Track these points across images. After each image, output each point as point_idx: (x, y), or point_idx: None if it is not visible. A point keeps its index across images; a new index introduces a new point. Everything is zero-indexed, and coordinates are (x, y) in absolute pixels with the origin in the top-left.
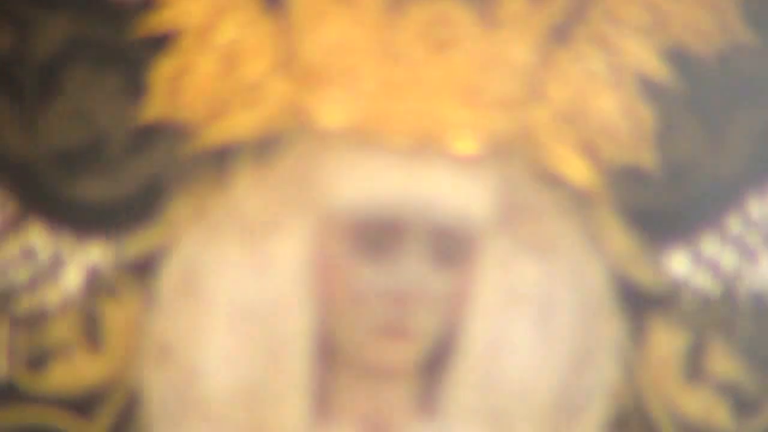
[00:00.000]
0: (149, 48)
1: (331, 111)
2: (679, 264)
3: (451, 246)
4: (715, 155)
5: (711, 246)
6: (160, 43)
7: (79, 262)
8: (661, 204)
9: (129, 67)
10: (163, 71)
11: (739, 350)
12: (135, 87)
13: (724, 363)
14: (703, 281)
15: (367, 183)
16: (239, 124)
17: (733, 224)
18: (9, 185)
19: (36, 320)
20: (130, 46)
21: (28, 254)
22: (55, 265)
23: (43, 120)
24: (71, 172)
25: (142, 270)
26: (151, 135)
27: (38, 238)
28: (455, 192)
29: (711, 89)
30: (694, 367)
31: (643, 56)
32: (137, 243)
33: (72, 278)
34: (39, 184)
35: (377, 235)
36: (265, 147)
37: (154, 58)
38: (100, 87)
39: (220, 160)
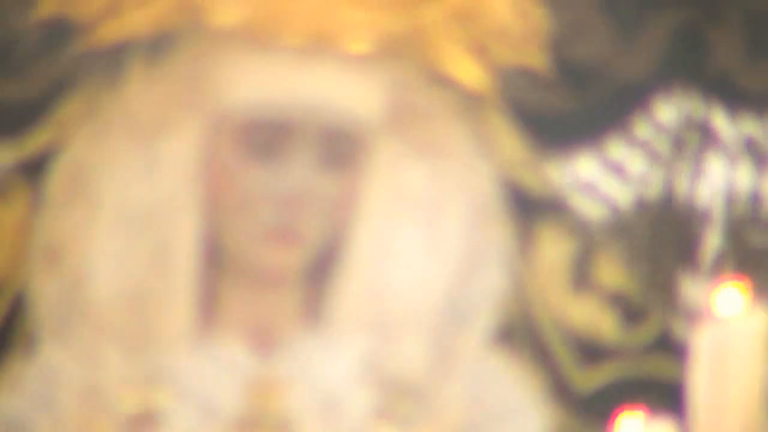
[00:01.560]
0: None
1: (224, 9)
2: (583, 168)
3: (340, 148)
4: (623, 58)
5: (617, 150)
6: None
7: None
8: (559, 107)
9: None
10: None
11: (631, 259)
12: None
13: (611, 272)
14: (607, 186)
15: (259, 83)
16: (131, 21)
17: (640, 128)
18: None
19: None
20: None
21: None
22: None
23: None
24: None
25: (31, 171)
26: (45, 33)
27: None
28: (345, 92)
29: None
30: (582, 276)
31: None
32: (26, 143)
33: None
34: None
35: (267, 136)
36: (157, 45)
37: None
38: None
39: (112, 59)
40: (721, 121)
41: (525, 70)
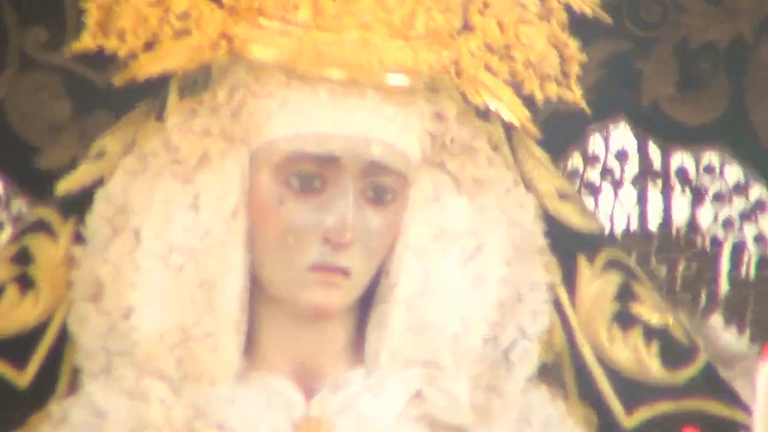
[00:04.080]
0: None
1: (264, 42)
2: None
3: (384, 182)
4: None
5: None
6: None
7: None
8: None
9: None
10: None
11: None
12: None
13: (654, 308)
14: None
15: (300, 116)
16: (170, 54)
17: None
18: None
19: None
20: None
21: None
22: None
23: None
24: None
25: (75, 206)
26: (84, 65)
27: None
28: (388, 126)
29: None
30: (624, 312)
31: None
32: (69, 178)
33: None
34: None
35: (310, 170)
36: (197, 78)
37: None
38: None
39: (152, 92)
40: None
41: (562, 103)
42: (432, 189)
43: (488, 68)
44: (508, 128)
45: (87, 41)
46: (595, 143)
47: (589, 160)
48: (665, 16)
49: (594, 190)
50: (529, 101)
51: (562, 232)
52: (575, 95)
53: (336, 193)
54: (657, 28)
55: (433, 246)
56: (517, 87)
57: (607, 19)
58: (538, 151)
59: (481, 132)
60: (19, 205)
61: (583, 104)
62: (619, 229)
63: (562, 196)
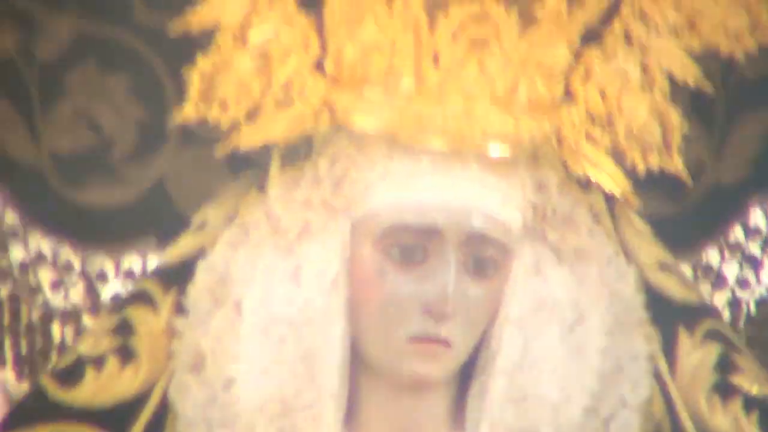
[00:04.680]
0: (183, 46)
1: (366, 112)
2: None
3: (484, 252)
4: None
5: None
6: (194, 41)
7: (108, 269)
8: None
9: (138, 67)
10: (199, 69)
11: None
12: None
13: (754, 378)
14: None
15: (402, 187)
16: (271, 124)
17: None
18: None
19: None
20: (138, 46)
21: (39, 261)
22: (67, 271)
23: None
24: (78, 178)
25: (177, 277)
26: (186, 135)
27: (46, 245)
28: (488, 196)
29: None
30: (724, 382)
31: (674, 57)
32: (171, 249)
33: (108, 287)
34: (45, 191)
35: (411, 241)
36: (297, 149)
37: (188, 56)
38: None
39: (254, 163)
40: None
41: (663, 175)
42: (533, 260)
43: (590, 138)
44: (609, 199)
45: (189, 111)
46: (756, 216)
47: (751, 233)
48: None
49: (754, 263)
50: (631, 171)
51: (662, 302)
52: (677, 165)
53: (437, 265)
54: None
55: (533, 317)
56: (618, 157)
57: (708, 88)
58: (639, 223)
59: (582, 202)
60: None
61: (684, 174)
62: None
63: (663, 267)
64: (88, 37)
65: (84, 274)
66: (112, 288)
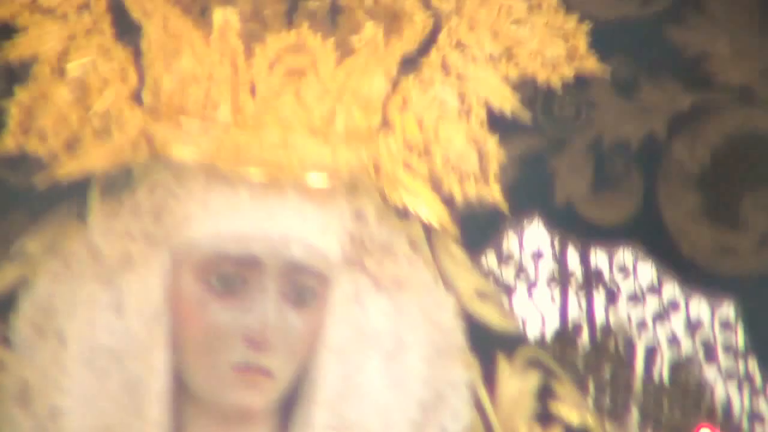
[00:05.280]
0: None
1: (184, 142)
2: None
3: (304, 282)
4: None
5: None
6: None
7: None
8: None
9: None
10: (17, 100)
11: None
12: None
13: (573, 406)
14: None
15: (221, 217)
16: (91, 156)
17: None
18: None
19: None
20: None
21: None
22: None
23: None
24: None
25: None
26: (5, 166)
27: None
28: (306, 226)
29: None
30: (544, 410)
31: (492, 86)
32: None
33: None
34: None
35: (231, 272)
36: (117, 180)
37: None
38: None
39: (74, 194)
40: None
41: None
42: (352, 289)
43: (407, 167)
44: (427, 227)
45: (8, 142)
46: (509, 242)
47: (504, 259)
48: (579, 113)
49: (509, 290)
50: (448, 199)
51: (481, 331)
52: (494, 193)
53: (257, 294)
54: (571, 125)
55: (353, 346)
56: (436, 184)
57: (525, 117)
58: (457, 251)
59: (400, 232)
60: None
61: (501, 202)
62: (535, 329)
63: (481, 295)
64: None
65: None
66: None
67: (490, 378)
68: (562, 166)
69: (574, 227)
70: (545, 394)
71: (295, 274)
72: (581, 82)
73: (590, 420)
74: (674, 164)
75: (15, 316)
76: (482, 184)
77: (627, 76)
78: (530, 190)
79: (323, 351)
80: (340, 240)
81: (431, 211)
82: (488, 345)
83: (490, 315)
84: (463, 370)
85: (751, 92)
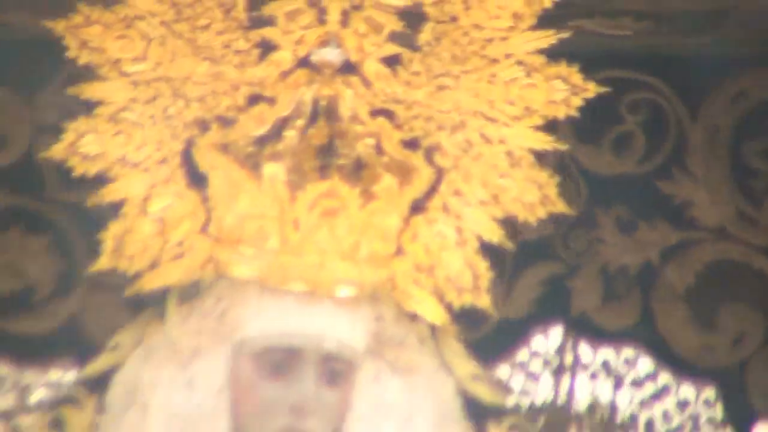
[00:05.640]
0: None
1: (242, 264)
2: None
3: (336, 367)
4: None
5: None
6: (108, 212)
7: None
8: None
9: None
10: (111, 232)
11: None
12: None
13: None
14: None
15: (271, 320)
16: (169, 272)
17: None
18: None
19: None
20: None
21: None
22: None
23: None
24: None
25: (97, 384)
26: (103, 280)
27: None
28: (338, 326)
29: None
30: None
31: (482, 223)
32: (94, 364)
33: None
34: None
35: (278, 359)
36: (190, 290)
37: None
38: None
39: (157, 300)
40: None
41: (472, 309)
42: (374, 372)
43: (416, 283)
44: (432, 327)
45: (103, 262)
46: (537, 343)
47: (534, 355)
48: (590, 245)
49: (535, 378)
50: (448, 306)
51: (474, 404)
52: (485, 303)
53: (299, 376)
54: (583, 255)
55: (374, 417)
56: (439, 296)
57: (510, 246)
58: (455, 345)
59: (411, 330)
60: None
61: (492, 310)
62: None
63: (475, 377)
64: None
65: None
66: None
67: None
68: (577, 285)
69: (588, 332)
70: None
71: (329, 361)
72: (592, 223)
73: None
74: (666, 285)
75: (109, 391)
76: (476, 295)
77: (627, 219)
78: (552, 304)
79: (351, 420)
80: (365, 336)
81: (435, 315)
82: (481, 415)
83: (481, 392)
84: None
85: (725, 230)
